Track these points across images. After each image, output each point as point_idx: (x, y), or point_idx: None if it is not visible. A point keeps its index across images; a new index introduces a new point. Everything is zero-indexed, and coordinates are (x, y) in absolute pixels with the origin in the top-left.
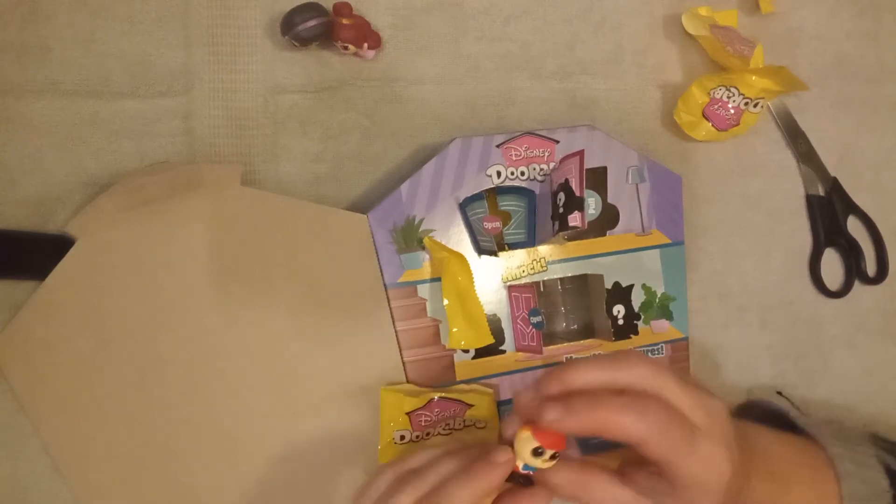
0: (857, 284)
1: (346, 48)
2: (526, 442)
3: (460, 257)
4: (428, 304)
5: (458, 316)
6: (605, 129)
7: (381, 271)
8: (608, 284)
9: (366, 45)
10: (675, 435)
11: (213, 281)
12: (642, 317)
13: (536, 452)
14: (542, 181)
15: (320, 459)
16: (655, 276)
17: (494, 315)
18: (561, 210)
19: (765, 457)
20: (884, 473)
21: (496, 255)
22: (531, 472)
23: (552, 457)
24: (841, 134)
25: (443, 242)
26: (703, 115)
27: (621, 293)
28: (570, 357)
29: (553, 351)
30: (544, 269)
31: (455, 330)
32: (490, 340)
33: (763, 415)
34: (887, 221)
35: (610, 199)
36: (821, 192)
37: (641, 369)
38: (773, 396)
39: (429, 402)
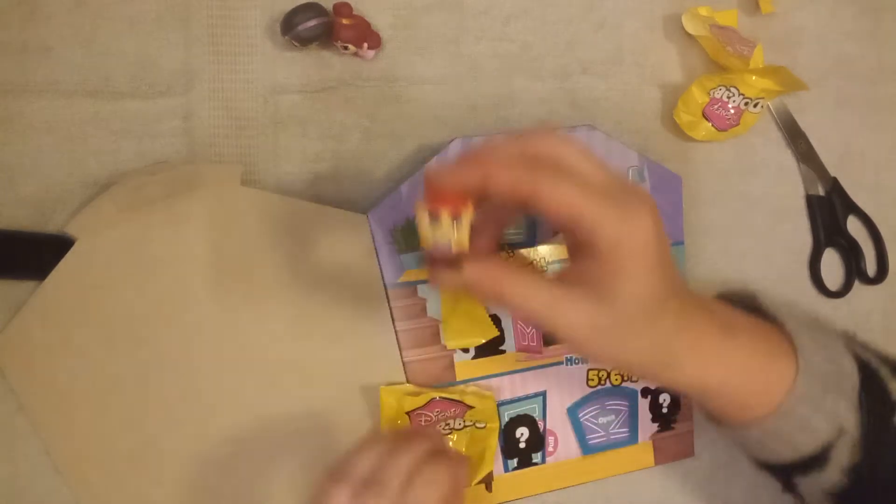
0: (857, 284)
1: (346, 48)
2: (421, 213)
3: None
4: (428, 304)
5: (456, 317)
6: (605, 129)
7: (381, 271)
8: None
9: (366, 45)
10: (579, 181)
11: (213, 281)
12: None
13: (433, 218)
14: None
15: (320, 459)
16: None
17: (495, 315)
18: None
19: (710, 309)
20: (851, 358)
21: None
22: (448, 249)
23: (457, 221)
24: (841, 134)
25: None
26: (703, 115)
27: None
28: (570, 357)
29: (553, 350)
30: (544, 269)
31: (453, 331)
32: (495, 332)
33: (731, 301)
34: (887, 221)
35: None
36: (821, 192)
37: (551, 139)
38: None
39: (429, 402)
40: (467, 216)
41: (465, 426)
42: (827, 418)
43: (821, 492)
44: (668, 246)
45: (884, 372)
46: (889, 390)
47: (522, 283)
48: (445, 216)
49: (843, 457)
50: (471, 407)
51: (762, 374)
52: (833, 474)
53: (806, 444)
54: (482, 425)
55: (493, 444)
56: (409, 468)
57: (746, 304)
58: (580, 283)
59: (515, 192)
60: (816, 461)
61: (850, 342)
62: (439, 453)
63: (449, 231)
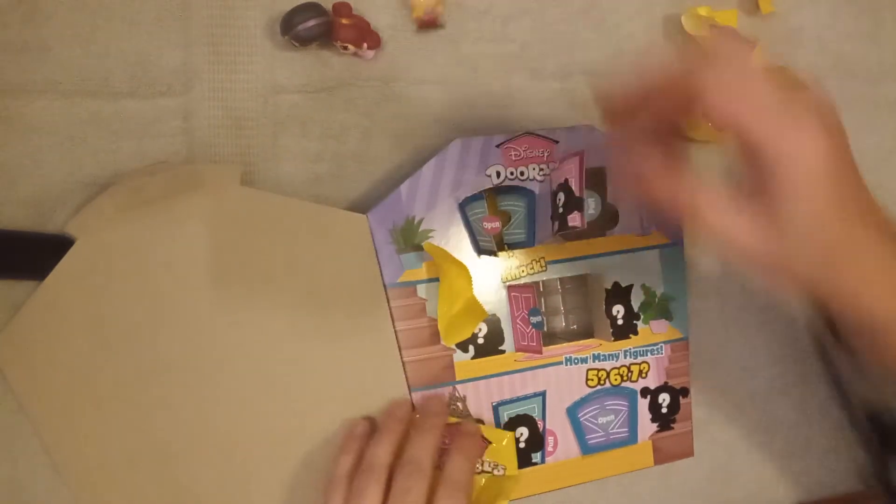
0: None
1: (345, 48)
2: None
3: (460, 265)
4: (428, 304)
5: (451, 315)
6: (605, 129)
7: (380, 271)
8: (608, 284)
9: (366, 45)
10: (747, 88)
11: (213, 281)
12: (642, 317)
13: None
14: (541, 181)
15: (319, 459)
16: (655, 277)
17: (494, 315)
18: (560, 210)
19: None
20: None
21: (496, 255)
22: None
23: None
24: None
25: (442, 242)
26: None
27: (621, 293)
28: (570, 357)
29: (553, 351)
30: (544, 269)
31: (448, 327)
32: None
33: None
34: None
35: (609, 199)
36: None
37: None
38: None
39: None
40: None
41: (482, 471)
42: None
43: None
44: (845, 162)
45: None
46: None
47: (704, 189)
48: None
49: None
50: (489, 442)
51: None
52: None
53: None
54: (501, 471)
55: (510, 491)
56: (435, 446)
57: None
58: (749, 196)
59: (684, 90)
60: None
61: None
62: (455, 428)
63: None
